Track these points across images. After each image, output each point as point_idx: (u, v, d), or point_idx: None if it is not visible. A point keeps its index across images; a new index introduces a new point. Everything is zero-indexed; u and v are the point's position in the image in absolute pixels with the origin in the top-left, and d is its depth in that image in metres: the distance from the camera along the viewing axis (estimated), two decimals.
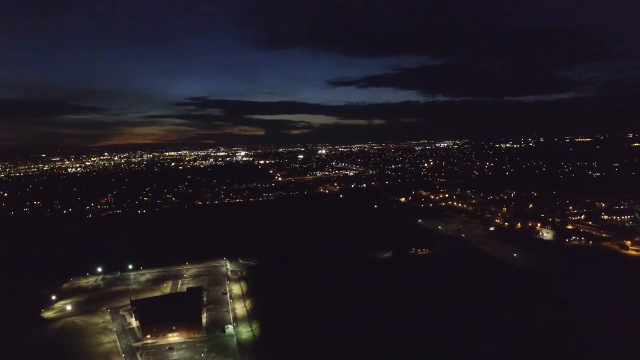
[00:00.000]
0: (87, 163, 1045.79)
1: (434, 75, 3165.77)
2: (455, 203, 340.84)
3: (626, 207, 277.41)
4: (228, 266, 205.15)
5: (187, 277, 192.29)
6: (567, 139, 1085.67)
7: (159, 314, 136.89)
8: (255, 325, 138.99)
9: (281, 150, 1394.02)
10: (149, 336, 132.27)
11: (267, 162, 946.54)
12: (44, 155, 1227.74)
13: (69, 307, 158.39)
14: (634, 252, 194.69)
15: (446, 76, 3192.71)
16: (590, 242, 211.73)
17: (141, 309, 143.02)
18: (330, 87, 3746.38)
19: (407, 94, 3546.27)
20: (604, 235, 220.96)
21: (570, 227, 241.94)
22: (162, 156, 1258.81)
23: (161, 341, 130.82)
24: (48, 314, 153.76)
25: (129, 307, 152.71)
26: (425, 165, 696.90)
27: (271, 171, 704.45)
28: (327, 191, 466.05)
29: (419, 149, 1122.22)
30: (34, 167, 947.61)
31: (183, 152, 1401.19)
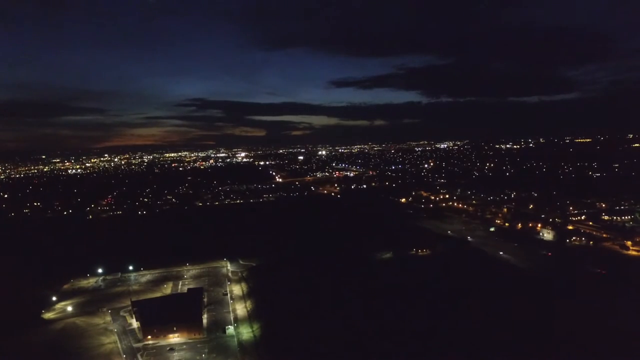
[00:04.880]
0: (87, 164, 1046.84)
1: (438, 75, 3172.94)
2: (455, 204, 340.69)
3: (626, 207, 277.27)
4: (228, 267, 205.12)
5: (188, 278, 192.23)
6: (567, 139, 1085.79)
7: (159, 315, 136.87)
8: (256, 326, 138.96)
9: (281, 151, 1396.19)
10: (149, 337, 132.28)
11: (268, 163, 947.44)
12: (44, 157, 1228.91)
13: (69, 308, 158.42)
14: (634, 252, 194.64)
15: (451, 76, 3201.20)
16: (591, 242, 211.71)
17: (142, 309, 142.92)
18: (332, 87, 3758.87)
19: (410, 95, 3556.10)
20: (604, 235, 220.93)
21: (570, 227, 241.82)
22: (163, 157, 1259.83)
23: (162, 342, 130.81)
24: (49, 315, 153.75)
25: (130, 308, 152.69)
26: (426, 166, 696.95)
27: (272, 172, 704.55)
28: (327, 192, 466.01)
29: (419, 150, 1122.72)
30: (34, 169, 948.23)
31: (183, 153, 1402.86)
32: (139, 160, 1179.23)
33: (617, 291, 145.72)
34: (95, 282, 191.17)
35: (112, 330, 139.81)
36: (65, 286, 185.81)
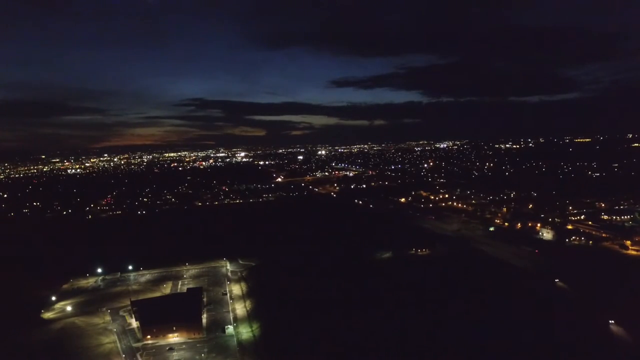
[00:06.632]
0: (86, 164, 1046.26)
1: (439, 74, 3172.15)
2: (455, 203, 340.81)
3: (626, 207, 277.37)
4: (228, 267, 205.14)
5: (187, 277, 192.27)
6: (567, 139, 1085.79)
7: (159, 315, 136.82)
8: (255, 326, 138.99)
9: (281, 151, 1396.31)
10: (149, 337, 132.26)
11: (267, 162, 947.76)
12: (43, 157, 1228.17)
13: (69, 308, 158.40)
14: (634, 252, 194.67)
15: (452, 76, 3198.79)
16: (590, 242, 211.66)
17: (141, 309, 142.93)
18: (332, 87, 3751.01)
19: (411, 95, 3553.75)
20: (604, 235, 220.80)
21: (570, 227, 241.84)
22: (162, 157, 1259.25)
23: (161, 342, 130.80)
24: (48, 315, 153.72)
25: (129, 307, 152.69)
26: (425, 165, 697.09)
27: (272, 173, 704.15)
28: (327, 192, 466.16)
29: (418, 150, 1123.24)
30: (34, 169, 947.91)
31: (183, 153, 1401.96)
32: (139, 160, 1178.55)
33: (617, 291, 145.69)
34: (95, 281, 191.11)
35: (111, 330, 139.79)
36: (65, 286, 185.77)
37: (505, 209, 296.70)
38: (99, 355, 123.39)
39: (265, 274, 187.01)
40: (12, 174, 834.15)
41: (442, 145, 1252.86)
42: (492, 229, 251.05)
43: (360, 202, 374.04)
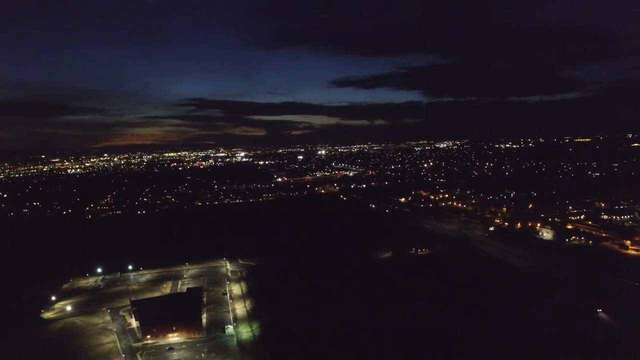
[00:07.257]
0: (86, 164, 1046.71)
1: (440, 74, 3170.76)
2: (455, 203, 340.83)
3: (626, 207, 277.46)
4: (228, 266, 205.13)
5: (187, 277, 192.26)
6: (566, 139, 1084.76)
7: (159, 315, 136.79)
8: (255, 326, 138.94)
9: (281, 151, 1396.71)
10: (149, 336, 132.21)
11: (267, 162, 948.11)
12: (43, 157, 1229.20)
13: (69, 308, 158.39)
14: (633, 252, 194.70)
15: (452, 76, 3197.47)
16: (590, 242, 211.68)
17: (141, 309, 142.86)
18: (333, 87, 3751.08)
19: (411, 94, 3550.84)
20: (604, 235, 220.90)
21: (570, 227, 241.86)
22: (162, 157, 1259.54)
23: (161, 341, 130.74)
24: (48, 315, 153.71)
25: (129, 307, 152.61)
26: (425, 165, 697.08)
27: (272, 173, 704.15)
28: (326, 192, 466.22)
29: (418, 150, 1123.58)
30: (34, 169, 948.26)
31: (183, 153, 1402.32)
32: (139, 160, 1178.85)
33: (617, 291, 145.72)
34: (95, 281, 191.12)
35: (111, 329, 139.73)
36: (65, 286, 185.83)
37: (505, 209, 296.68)
38: (99, 355, 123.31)
39: (265, 274, 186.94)
40: (12, 174, 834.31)
41: (442, 145, 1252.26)
42: (492, 228, 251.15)
43: (360, 202, 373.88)
